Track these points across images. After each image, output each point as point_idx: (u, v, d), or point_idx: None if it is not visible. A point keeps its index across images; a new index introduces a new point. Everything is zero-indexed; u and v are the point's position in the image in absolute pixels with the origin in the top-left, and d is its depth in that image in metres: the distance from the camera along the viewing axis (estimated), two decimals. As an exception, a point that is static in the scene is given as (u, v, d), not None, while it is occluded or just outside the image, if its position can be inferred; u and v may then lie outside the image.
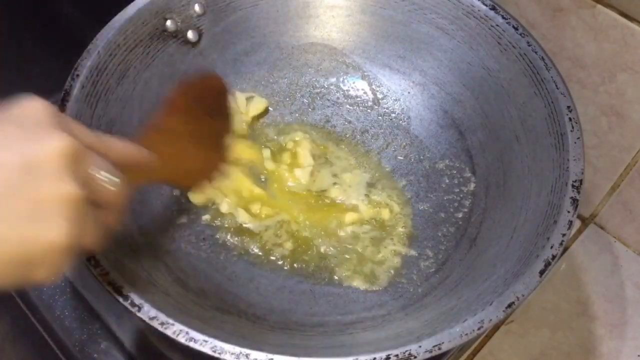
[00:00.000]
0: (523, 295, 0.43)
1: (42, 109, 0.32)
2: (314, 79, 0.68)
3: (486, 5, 0.59)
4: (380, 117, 0.66)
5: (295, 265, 0.57)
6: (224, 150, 0.55)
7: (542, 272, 0.44)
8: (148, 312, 0.41)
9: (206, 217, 0.58)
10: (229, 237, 0.58)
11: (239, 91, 0.66)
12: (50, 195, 0.30)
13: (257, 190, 0.59)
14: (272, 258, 0.57)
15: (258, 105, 0.65)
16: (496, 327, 0.64)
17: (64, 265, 0.32)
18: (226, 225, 0.58)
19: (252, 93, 0.66)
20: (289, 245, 0.57)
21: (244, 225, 0.58)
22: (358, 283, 0.56)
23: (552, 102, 0.53)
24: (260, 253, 0.57)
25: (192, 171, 0.51)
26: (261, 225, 0.58)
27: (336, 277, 0.56)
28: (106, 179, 0.34)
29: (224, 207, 0.58)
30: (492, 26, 0.59)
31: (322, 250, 0.57)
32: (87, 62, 0.53)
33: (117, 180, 0.34)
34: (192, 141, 0.50)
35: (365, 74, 0.67)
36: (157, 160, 0.44)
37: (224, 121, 0.56)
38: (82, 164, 0.32)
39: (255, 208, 0.59)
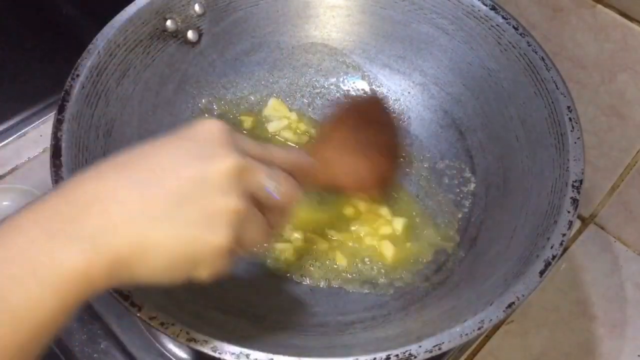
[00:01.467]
0: (523, 296, 0.43)
1: (218, 128, 0.37)
2: (314, 79, 0.68)
3: (486, 5, 0.59)
4: (380, 117, 0.66)
5: (295, 265, 0.57)
6: (393, 160, 0.59)
7: (542, 272, 0.44)
8: (148, 312, 0.41)
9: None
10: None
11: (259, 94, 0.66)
12: (218, 206, 0.35)
13: None
14: (273, 258, 0.57)
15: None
16: (496, 327, 0.64)
17: (224, 265, 0.37)
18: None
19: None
20: (289, 245, 0.57)
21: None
22: (358, 283, 0.56)
23: (552, 102, 0.53)
24: (260, 253, 0.57)
25: (359, 177, 0.54)
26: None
27: (337, 277, 0.56)
28: (272, 187, 0.39)
29: None
30: (492, 26, 0.59)
31: (322, 250, 0.57)
32: (87, 62, 0.53)
33: (281, 188, 0.39)
34: (357, 150, 0.54)
35: (365, 74, 0.67)
36: (320, 165, 0.48)
37: (389, 133, 0.59)
38: (249, 177, 0.37)
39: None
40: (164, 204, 0.34)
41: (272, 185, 0.39)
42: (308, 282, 0.56)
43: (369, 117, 0.58)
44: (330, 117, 0.56)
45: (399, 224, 0.59)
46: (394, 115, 0.63)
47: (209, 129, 0.37)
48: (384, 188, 0.59)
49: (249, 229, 0.38)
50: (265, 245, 0.42)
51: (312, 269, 0.56)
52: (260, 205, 0.39)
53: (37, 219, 0.32)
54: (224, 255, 0.36)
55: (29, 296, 0.30)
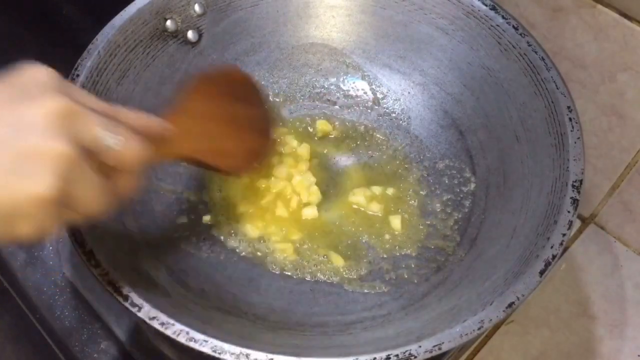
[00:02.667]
0: (523, 295, 0.43)
1: (44, 73, 0.33)
2: (314, 79, 0.68)
3: (486, 5, 0.59)
4: (380, 117, 0.66)
5: (295, 265, 0.57)
6: (265, 137, 0.55)
7: (542, 272, 0.44)
8: (148, 312, 0.41)
9: (207, 218, 0.58)
10: (229, 237, 0.58)
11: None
12: (37, 149, 0.30)
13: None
14: (273, 258, 0.57)
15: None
16: (496, 327, 0.64)
17: (50, 221, 0.32)
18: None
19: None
20: (289, 245, 0.57)
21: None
22: (358, 282, 0.56)
23: (552, 102, 0.53)
24: (260, 253, 0.57)
25: (223, 152, 0.50)
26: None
27: (337, 276, 0.56)
28: (111, 139, 0.34)
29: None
30: (492, 26, 0.59)
31: (322, 249, 0.57)
32: (87, 62, 0.53)
33: (124, 141, 0.34)
34: (220, 123, 0.49)
35: (365, 74, 0.67)
36: (177, 134, 0.43)
37: (257, 110, 0.55)
38: (79, 124, 0.32)
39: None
40: None
41: (111, 138, 0.34)
42: (308, 282, 0.56)
43: (234, 89, 0.54)
44: (191, 87, 0.50)
45: (395, 221, 0.59)
46: (260, 89, 0.58)
47: (35, 74, 0.33)
48: (251, 166, 0.55)
49: (82, 184, 0.32)
50: (104, 211, 0.35)
51: (312, 268, 0.56)
52: (99, 165, 0.34)
53: None
54: (49, 209, 0.31)
55: None
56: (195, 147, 0.46)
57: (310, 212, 0.59)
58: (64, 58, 0.57)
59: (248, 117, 0.54)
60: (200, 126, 0.48)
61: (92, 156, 0.33)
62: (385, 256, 0.57)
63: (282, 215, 0.59)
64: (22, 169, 0.30)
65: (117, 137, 0.34)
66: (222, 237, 0.57)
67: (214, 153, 0.49)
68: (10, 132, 0.30)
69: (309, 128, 0.66)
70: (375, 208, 0.60)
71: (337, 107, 0.67)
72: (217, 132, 0.50)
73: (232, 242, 0.57)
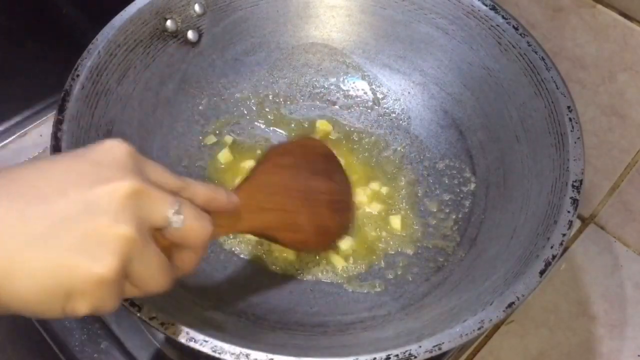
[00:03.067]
0: (523, 295, 0.43)
1: (121, 149, 0.34)
2: (314, 79, 0.68)
3: (486, 6, 0.59)
4: (380, 117, 0.66)
5: (295, 265, 0.57)
6: (342, 214, 0.54)
7: (542, 272, 0.44)
8: (148, 312, 0.41)
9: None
10: (229, 237, 0.58)
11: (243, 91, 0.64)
12: (103, 230, 0.31)
13: None
14: (273, 258, 0.57)
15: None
16: (496, 327, 0.64)
17: (108, 301, 0.32)
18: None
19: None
20: (289, 245, 0.57)
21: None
22: (358, 282, 0.56)
23: (552, 102, 0.53)
24: (260, 253, 0.57)
25: (293, 227, 0.49)
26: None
27: (337, 277, 0.56)
28: (179, 220, 0.35)
29: None
30: (492, 26, 0.59)
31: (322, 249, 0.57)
32: (87, 62, 0.53)
33: (191, 220, 0.35)
34: (292, 196, 0.48)
35: (365, 74, 0.67)
36: (245, 208, 0.43)
37: (338, 186, 0.54)
38: (147, 205, 0.33)
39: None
40: (42, 226, 0.30)
41: (178, 219, 0.35)
42: (308, 282, 0.56)
43: (313, 161, 0.52)
44: (265, 157, 0.50)
45: (395, 221, 0.59)
46: (341, 164, 0.57)
47: (110, 149, 0.34)
48: (325, 243, 0.54)
49: (143, 263, 0.33)
50: (165, 288, 0.36)
51: (311, 268, 0.56)
52: (164, 243, 0.35)
53: None
54: (108, 288, 0.32)
55: None
56: (263, 222, 0.46)
57: None
58: (64, 58, 0.57)
59: (325, 192, 0.52)
60: (271, 200, 0.47)
61: (157, 234, 0.35)
62: (385, 256, 0.57)
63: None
64: (85, 248, 0.31)
65: (185, 217, 0.35)
66: (222, 238, 0.57)
67: (284, 228, 0.48)
68: (80, 210, 0.31)
69: (309, 128, 0.66)
70: (375, 208, 0.60)
71: (337, 107, 0.67)
72: (289, 206, 0.48)
73: (232, 242, 0.57)
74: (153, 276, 0.34)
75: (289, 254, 0.57)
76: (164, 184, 0.35)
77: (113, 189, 0.32)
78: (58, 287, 0.31)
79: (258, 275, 0.56)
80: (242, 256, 0.57)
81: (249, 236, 0.57)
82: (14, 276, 0.30)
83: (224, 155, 0.63)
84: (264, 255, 0.57)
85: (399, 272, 0.56)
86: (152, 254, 0.34)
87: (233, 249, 0.57)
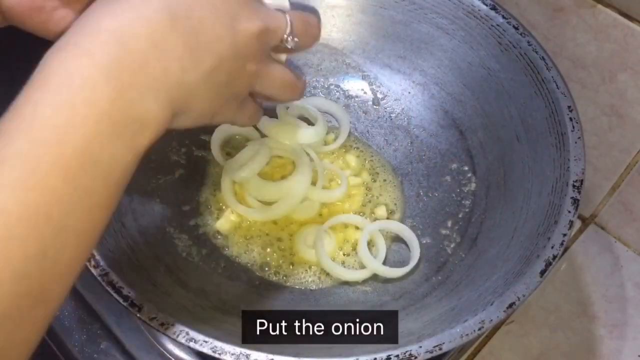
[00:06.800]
0: (524, 296, 0.43)
1: None
2: (314, 79, 0.68)
3: (487, 5, 0.59)
4: (380, 117, 0.66)
5: (295, 265, 0.57)
6: None
7: (542, 272, 0.44)
8: (148, 312, 0.41)
9: (207, 218, 0.58)
10: (229, 237, 0.58)
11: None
12: (245, 78, 0.41)
13: None
14: (272, 258, 0.57)
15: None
16: (496, 327, 0.64)
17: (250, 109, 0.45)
18: (226, 225, 0.58)
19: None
20: (289, 245, 0.57)
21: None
22: (358, 282, 0.56)
23: (553, 102, 0.53)
24: (261, 258, 0.57)
25: None
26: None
27: (337, 277, 0.56)
28: (292, 38, 0.43)
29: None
30: (492, 26, 0.59)
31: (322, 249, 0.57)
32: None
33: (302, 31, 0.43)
34: None
35: (365, 74, 0.67)
36: None
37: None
38: (271, 36, 0.41)
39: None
40: (205, 65, 0.36)
41: (292, 37, 0.42)
42: (308, 282, 0.56)
43: None
44: None
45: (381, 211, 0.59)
46: None
47: None
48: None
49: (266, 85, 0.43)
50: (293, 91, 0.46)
51: (311, 269, 0.56)
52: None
53: (109, 75, 0.32)
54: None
55: (114, 152, 0.31)
56: None
57: None
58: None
59: None
60: None
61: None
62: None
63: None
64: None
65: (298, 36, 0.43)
66: (222, 238, 0.57)
67: None
68: (231, 54, 0.38)
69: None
70: (376, 209, 0.60)
71: (337, 107, 0.67)
72: None
73: (233, 248, 0.57)
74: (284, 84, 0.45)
75: (289, 258, 0.57)
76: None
77: (246, 27, 0.38)
78: (212, 115, 0.40)
79: (258, 276, 0.56)
80: (242, 261, 0.57)
81: (250, 243, 0.58)
82: (190, 106, 0.36)
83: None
84: (263, 255, 0.57)
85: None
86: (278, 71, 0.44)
87: (234, 254, 0.57)
